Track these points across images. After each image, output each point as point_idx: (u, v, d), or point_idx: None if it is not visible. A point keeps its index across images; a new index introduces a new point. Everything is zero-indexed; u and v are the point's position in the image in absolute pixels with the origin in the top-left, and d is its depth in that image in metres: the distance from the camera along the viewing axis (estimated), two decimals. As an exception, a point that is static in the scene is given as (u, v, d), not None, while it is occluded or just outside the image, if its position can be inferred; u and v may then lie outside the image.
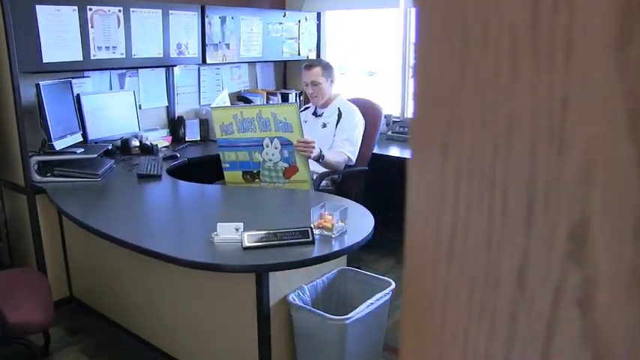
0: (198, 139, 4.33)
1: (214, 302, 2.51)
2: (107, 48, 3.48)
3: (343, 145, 3.53)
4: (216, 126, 3.24)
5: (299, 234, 2.18)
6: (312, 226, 2.27)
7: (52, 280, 3.36)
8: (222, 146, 3.26)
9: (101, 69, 3.72)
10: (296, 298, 2.34)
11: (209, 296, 2.52)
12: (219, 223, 2.23)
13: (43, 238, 3.32)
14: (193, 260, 2.03)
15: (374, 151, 3.87)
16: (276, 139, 3.12)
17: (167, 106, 4.37)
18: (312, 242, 2.16)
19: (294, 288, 2.39)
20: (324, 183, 3.52)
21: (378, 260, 4.18)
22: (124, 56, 3.58)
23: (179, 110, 4.45)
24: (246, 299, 2.28)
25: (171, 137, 4.29)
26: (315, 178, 3.45)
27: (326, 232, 2.25)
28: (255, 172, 3.24)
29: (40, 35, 3.15)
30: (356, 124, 3.61)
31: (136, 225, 2.46)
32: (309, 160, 3.18)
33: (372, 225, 2.40)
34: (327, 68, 3.68)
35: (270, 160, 3.18)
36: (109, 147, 3.57)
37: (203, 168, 3.67)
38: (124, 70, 3.97)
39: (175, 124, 4.38)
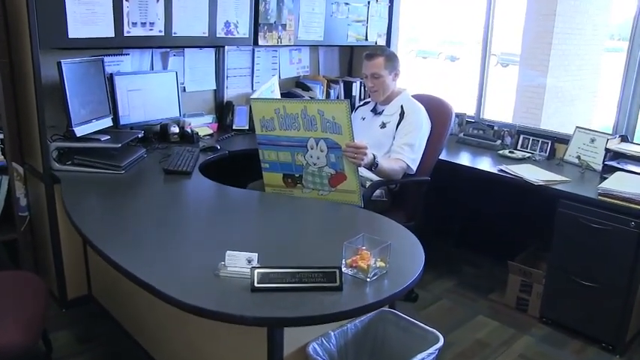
0: (247, 128, 3.92)
1: (223, 342, 2.11)
2: (143, 24, 3.09)
3: (402, 150, 3.03)
4: (256, 120, 2.81)
5: (323, 276, 1.72)
6: (343, 263, 1.81)
7: (69, 277, 3.12)
8: (261, 143, 2.83)
9: (135, 47, 3.35)
10: (318, 349, 1.89)
11: (218, 333, 2.11)
12: (228, 252, 1.80)
13: (61, 229, 3.01)
14: (183, 301, 1.61)
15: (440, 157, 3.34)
16: (322, 140, 2.67)
17: (215, 90, 3.98)
18: (340, 288, 1.70)
19: (318, 334, 1.94)
20: (377, 193, 3.04)
21: (434, 281, 3.68)
22: (162, 34, 3.19)
23: (228, 95, 4.06)
24: (256, 346, 1.86)
25: (217, 124, 3.91)
26: (367, 186, 2.98)
27: (360, 275, 1.78)
28: (297, 176, 2.81)
29: (67, 7, 2.79)
30: (420, 126, 3.10)
31: (137, 240, 2.06)
32: (361, 167, 2.71)
33: (421, 265, 1.92)
34: (391, 59, 3.17)
35: (315, 165, 2.73)
36: (140, 135, 3.20)
37: (245, 163, 3.24)
38: (168, 49, 3.59)
39: (223, 110, 3.99)
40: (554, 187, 3.07)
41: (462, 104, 4.22)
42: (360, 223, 2.39)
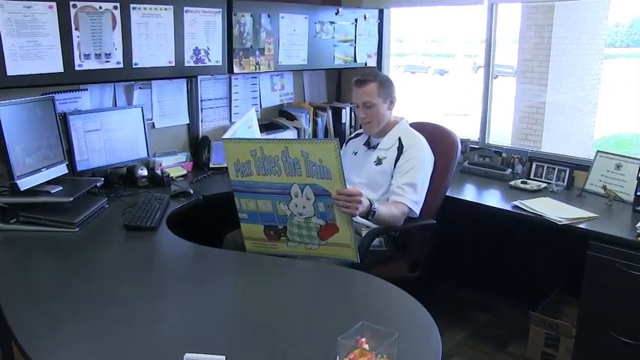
0: (226, 165, 3.47)
1: None
2: (98, 56, 2.68)
3: (403, 192, 2.60)
4: (229, 164, 2.40)
5: (312, 393, 1.29)
6: (338, 365, 1.39)
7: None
8: (237, 190, 2.42)
9: (89, 82, 2.92)
10: None
11: None
12: (187, 355, 1.37)
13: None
14: None
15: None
16: (307, 187, 2.25)
17: (188, 124, 3.55)
18: (335, 407, 1.27)
19: None
20: (375, 242, 2.61)
21: (443, 332, 3.12)
22: (121, 66, 2.77)
23: (204, 129, 3.63)
24: None
25: (191, 163, 3.48)
26: (363, 235, 2.56)
27: (361, 381, 1.35)
28: (280, 227, 2.38)
29: (2, 40, 2.38)
30: (422, 162, 2.68)
31: (77, 333, 1.61)
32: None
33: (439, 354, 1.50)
34: (385, 85, 2.77)
35: (301, 215, 2.31)
36: (99, 183, 2.77)
37: (222, 208, 2.79)
38: (132, 82, 3.17)
39: (198, 147, 3.56)
40: (580, 225, 2.65)
41: (459, 124, 3.81)
42: (358, 297, 1.97)
